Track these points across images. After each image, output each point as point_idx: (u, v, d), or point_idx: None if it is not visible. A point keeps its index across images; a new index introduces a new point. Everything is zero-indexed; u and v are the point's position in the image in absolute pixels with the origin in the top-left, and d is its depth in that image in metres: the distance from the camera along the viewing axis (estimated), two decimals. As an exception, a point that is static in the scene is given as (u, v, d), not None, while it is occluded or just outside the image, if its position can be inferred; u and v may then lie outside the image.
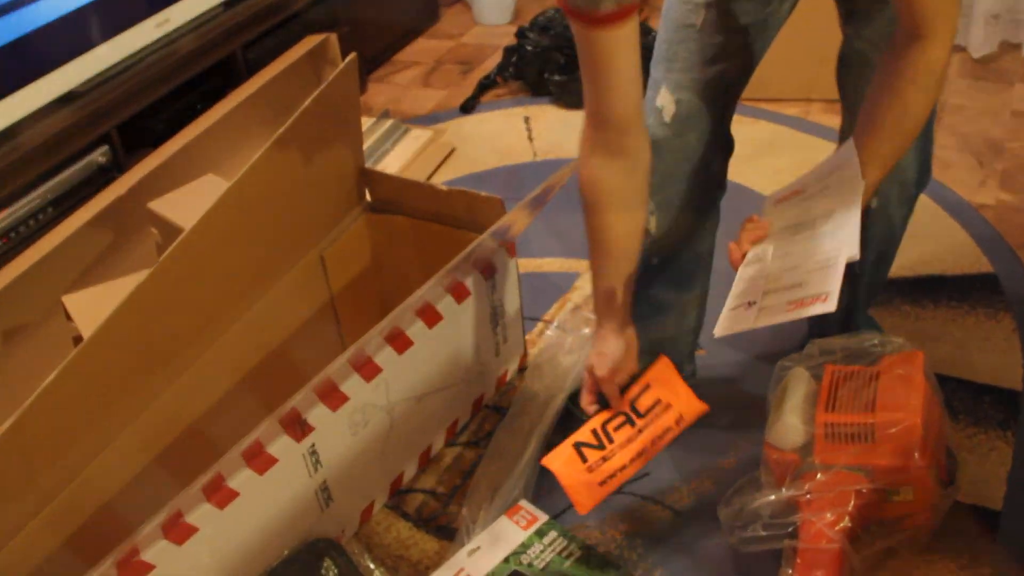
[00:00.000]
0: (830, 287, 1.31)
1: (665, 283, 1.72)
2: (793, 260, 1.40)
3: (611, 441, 1.58)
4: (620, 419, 1.59)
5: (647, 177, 1.48)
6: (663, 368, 1.63)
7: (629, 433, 1.58)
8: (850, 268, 1.67)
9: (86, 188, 2.24)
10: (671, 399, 1.61)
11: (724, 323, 1.39)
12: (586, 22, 1.27)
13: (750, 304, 1.39)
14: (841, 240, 1.35)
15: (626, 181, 1.45)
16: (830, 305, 1.27)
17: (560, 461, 1.56)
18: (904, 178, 1.58)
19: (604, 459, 1.57)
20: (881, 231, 1.64)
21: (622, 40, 1.29)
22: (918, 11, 1.24)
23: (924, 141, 1.57)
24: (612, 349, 1.53)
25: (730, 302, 1.41)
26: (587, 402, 1.58)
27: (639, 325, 1.73)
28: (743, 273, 1.44)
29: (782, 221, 1.47)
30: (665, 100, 1.52)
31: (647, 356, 1.76)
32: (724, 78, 1.53)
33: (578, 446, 1.57)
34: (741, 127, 1.65)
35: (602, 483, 1.55)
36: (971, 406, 1.80)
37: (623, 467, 1.56)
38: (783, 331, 1.94)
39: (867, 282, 1.73)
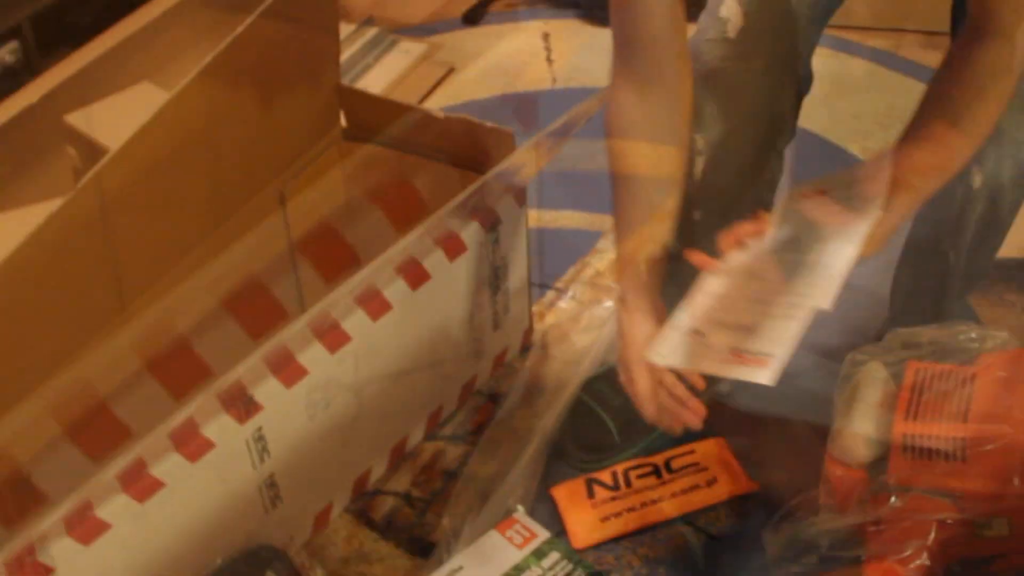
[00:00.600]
0: (775, 350, 1.28)
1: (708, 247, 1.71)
2: (761, 291, 1.37)
3: (629, 486, 1.71)
4: (646, 468, 1.73)
5: (688, 110, 1.46)
6: (715, 444, 1.78)
7: (651, 484, 1.72)
8: (940, 255, 1.70)
9: (-11, 93, 2.23)
10: (714, 468, 1.75)
11: (661, 349, 1.37)
12: None
13: (696, 333, 1.37)
14: (817, 283, 1.33)
15: (660, 115, 1.43)
16: (764, 375, 1.26)
17: (566, 490, 1.72)
18: (1021, 157, 1.56)
19: (613, 499, 1.70)
20: (984, 213, 1.63)
21: None
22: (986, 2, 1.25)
23: None
24: (646, 333, 1.44)
25: (678, 318, 1.39)
26: (652, 413, 1.46)
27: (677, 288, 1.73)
28: (706, 284, 1.41)
29: (786, 227, 1.45)
30: (731, 10, 1.51)
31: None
32: None
33: (590, 482, 1.72)
34: (817, 59, 1.64)
35: (604, 520, 1.68)
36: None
37: (632, 510, 1.69)
38: (856, 317, 1.94)
39: (964, 267, 1.72)
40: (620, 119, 1.44)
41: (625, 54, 1.40)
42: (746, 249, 1.42)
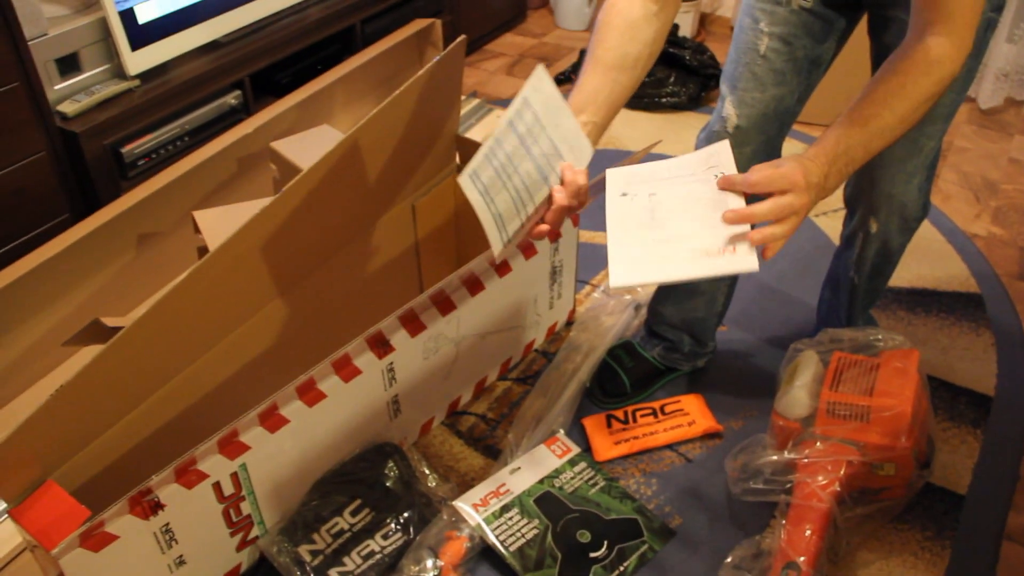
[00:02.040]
0: (735, 239, 1.09)
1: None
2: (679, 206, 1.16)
3: (635, 422, 1.71)
4: (647, 410, 1.73)
5: (663, 33, 1.29)
6: (695, 398, 1.77)
7: (650, 421, 1.72)
8: (849, 279, 1.68)
9: (219, 124, 2.24)
10: (693, 414, 1.74)
11: (621, 270, 1.11)
12: None
13: (656, 242, 1.13)
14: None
15: (645, 19, 1.26)
16: (751, 262, 1.07)
17: (593, 421, 1.72)
18: (906, 213, 1.55)
19: (624, 429, 1.70)
20: (877, 251, 1.62)
21: None
22: (936, 4, 1.15)
23: (926, 181, 1.53)
24: None
25: (619, 240, 1.15)
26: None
27: (675, 305, 1.73)
28: (616, 210, 1.18)
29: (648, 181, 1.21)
30: (729, 112, 1.50)
31: (680, 331, 1.76)
32: (782, 103, 1.49)
33: (609, 417, 1.72)
34: (786, 145, 1.62)
35: (617, 443, 1.68)
36: (949, 404, 1.78)
37: (635, 438, 1.68)
38: (795, 319, 1.93)
39: (864, 289, 1.71)
40: (613, 6, 1.27)
41: None
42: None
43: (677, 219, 1.14)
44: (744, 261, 1.07)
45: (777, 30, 1.44)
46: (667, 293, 1.75)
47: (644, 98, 2.87)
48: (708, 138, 1.55)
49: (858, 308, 1.75)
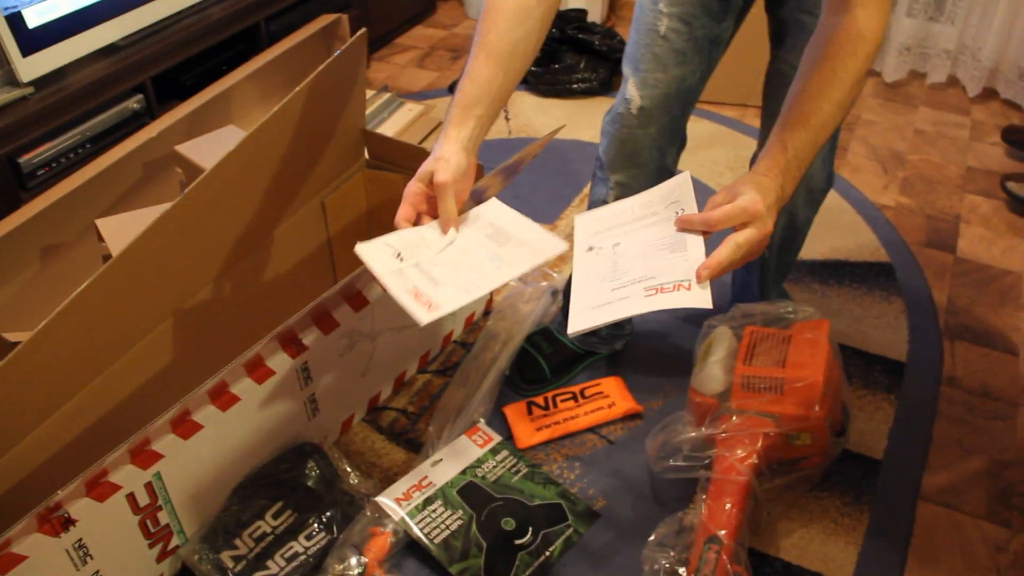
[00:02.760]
0: (688, 276, 1.08)
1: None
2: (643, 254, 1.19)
3: (556, 407, 1.71)
4: (567, 395, 1.74)
5: (550, 17, 1.26)
6: (615, 380, 1.78)
7: (571, 406, 1.72)
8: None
9: (121, 130, 2.19)
10: (613, 396, 1.73)
11: (579, 318, 1.12)
12: None
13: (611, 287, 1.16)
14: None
15: (536, 1, 1.22)
16: (701, 298, 1.06)
17: (513, 409, 1.72)
18: (811, 184, 1.58)
19: (544, 415, 1.70)
20: (785, 225, 1.65)
21: None
22: None
23: (829, 152, 1.56)
24: (457, 160, 1.19)
25: (580, 288, 1.18)
26: (403, 217, 1.21)
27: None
28: (582, 265, 1.22)
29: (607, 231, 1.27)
30: (632, 94, 1.50)
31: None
32: (684, 82, 1.51)
33: (530, 404, 1.72)
34: (691, 124, 1.63)
35: (538, 429, 1.68)
36: (863, 372, 1.81)
37: (556, 423, 1.69)
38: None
39: (774, 264, 1.74)
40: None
41: None
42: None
43: (638, 266, 1.14)
44: (698, 298, 1.06)
45: (676, 10, 1.45)
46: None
47: (556, 84, 2.88)
48: (613, 120, 1.56)
49: (770, 282, 1.78)
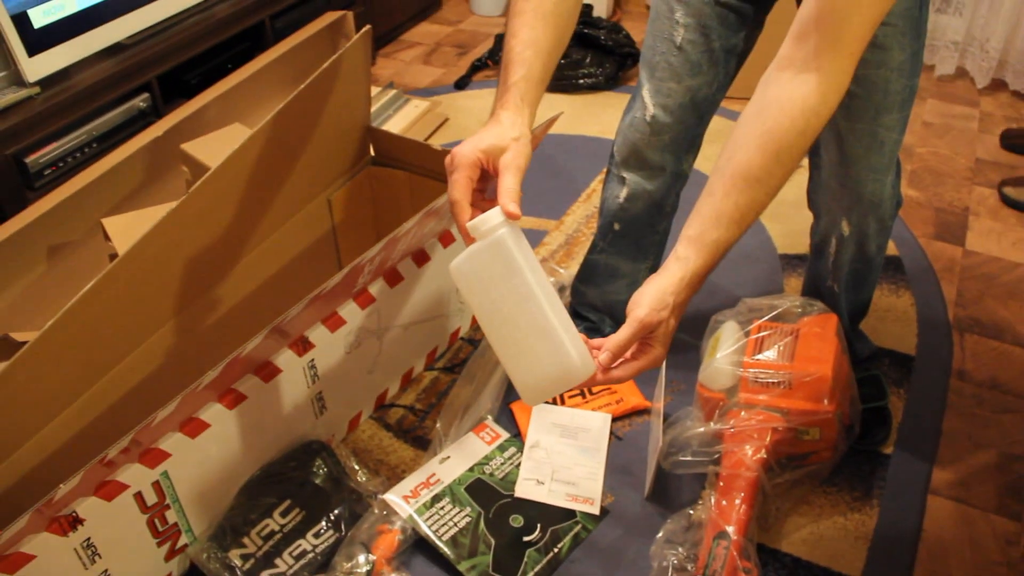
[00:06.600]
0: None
1: (623, 253, 1.70)
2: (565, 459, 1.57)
3: (563, 403, 1.70)
4: (575, 392, 1.71)
5: (572, 25, 1.20)
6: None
7: (578, 402, 1.70)
8: (828, 289, 1.64)
9: (128, 128, 2.20)
10: (621, 391, 1.72)
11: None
12: None
13: (538, 482, 1.53)
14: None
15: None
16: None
17: (521, 405, 1.70)
18: (881, 214, 1.50)
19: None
20: (853, 256, 1.57)
21: None
22: (823, 22, 1.00)
23: (897, 178, 1.50)
24: (527, 146, 1.11)
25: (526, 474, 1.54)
26: (462, 194, 1.08)
27: (597, 288, 1.73)
28: (532, 454, 1.59)
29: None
30: (647, 101, 1.50)
31: (602, 314, 1.76)
32: (699, 93, 1.49)
33: None
34: (713, 123, 1.62)
35: None
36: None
37: None
38: (717, 294, 1.94)
39: (848, 301, 1.67)
40: None
41: None
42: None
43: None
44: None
45: (693, 21, 1.44)
46: (589, 274, 1.75)
47: (561, 80, 2.87)
48: (629, 123, 1.55)
49: (844, 323, 1.68)
